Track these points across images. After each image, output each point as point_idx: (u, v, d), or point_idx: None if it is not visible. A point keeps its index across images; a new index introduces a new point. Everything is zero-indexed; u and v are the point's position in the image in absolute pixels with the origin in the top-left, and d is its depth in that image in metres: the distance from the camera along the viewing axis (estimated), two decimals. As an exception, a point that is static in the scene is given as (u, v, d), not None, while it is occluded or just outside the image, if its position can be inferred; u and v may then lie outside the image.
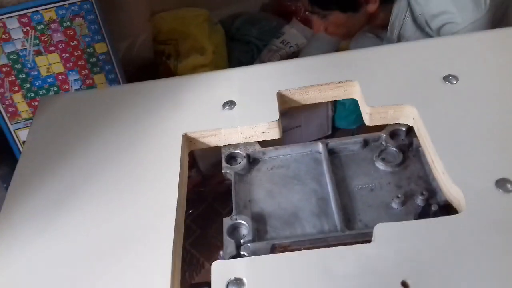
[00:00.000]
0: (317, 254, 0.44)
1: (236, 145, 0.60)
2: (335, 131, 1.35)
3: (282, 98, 0.61)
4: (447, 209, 0.48)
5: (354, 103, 1.35)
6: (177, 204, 0.51)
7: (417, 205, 0.50)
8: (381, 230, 0.44)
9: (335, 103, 1.32)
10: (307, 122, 1.30)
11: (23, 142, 1.18)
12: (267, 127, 0.57)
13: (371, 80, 0.59)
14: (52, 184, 0.56)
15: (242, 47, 1.39)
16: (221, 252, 1.28)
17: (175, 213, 0.50)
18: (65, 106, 0.68)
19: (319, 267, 0.43)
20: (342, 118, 1.32)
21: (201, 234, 1.24)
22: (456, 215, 0.45)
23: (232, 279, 0.44)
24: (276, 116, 0.57)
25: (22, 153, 0.62)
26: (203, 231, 1.27)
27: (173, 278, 0.45)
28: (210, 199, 1.30)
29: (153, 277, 0.45)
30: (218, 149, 0.60)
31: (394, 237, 0.44)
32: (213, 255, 1.17)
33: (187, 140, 0.58)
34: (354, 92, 0.60)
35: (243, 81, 0.64)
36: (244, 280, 0.43)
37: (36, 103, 1.15)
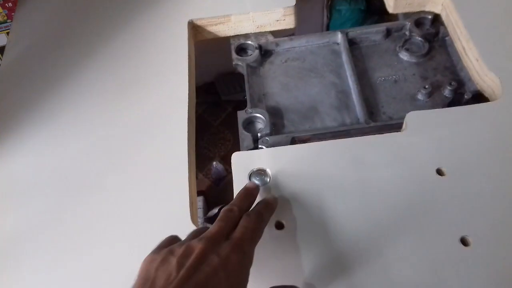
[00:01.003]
0: (345, 143, 0.41)
1: (246, 36, 0.54)
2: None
3: (297, -17, 0.55)
4: (477, 99, 0.46)
5: (350, 10, 1.30)
6: (188, 96, 0.47)
7: (444, 96, 0.47)
8: (413, 118, 0.42)
9: (330, 10, 1.25)
10: (301, 29, 1.24)
11: (0, 48, 1.09)
12: (282, 14, 0.52)
13: (397, -38, 0.53)
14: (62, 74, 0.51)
15: None
16: (214, 163, 1.25)
17: (187, 105, 0.46)
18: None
19: (347, 156, 0.40)
20: (337, 26, 1.26)
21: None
22: (492, 102, 0.43)
23: (254, 170, 0.41)
24: (293, 1, 0.52)
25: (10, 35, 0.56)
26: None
27: (190, 164, 0.42)
28: (200, 111, 1.26)
29: (171, 162, 0.42)
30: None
31: (427, 125, 0.41)
32: (205, 166, 1.15)
33: (193, 28, 0.53)
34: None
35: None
36: (268, 170, 0.41)
37: (10, 4, 1.05)
